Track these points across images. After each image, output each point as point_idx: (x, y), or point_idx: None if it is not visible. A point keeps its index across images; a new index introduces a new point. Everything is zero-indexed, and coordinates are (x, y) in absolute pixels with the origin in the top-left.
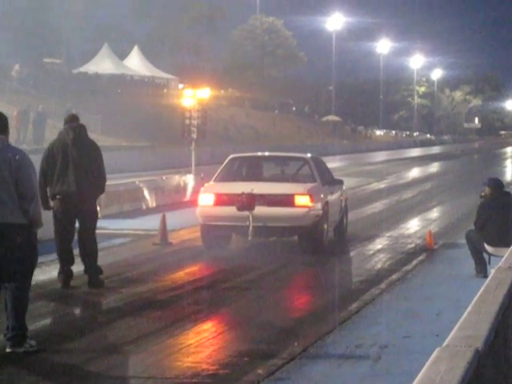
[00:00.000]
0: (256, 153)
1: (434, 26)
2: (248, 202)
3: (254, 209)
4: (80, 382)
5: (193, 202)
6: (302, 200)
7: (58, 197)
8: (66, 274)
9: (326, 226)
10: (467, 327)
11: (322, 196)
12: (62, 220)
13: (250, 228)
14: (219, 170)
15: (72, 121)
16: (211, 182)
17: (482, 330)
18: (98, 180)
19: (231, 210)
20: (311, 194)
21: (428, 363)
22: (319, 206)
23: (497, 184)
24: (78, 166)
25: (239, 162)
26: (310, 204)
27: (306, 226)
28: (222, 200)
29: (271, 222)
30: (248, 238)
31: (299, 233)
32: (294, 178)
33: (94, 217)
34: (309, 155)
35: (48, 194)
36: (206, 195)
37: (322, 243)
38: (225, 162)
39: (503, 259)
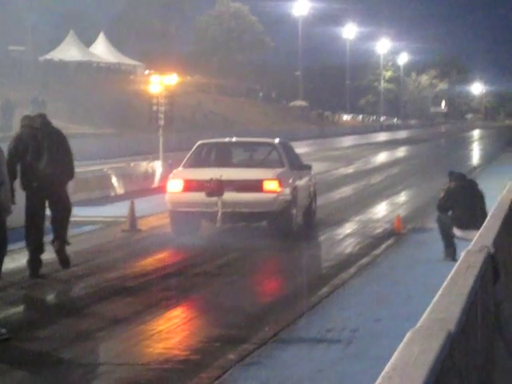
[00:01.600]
0: (224, 139)
1: (400, 10)
2: (217, 187)
3: (222, 194)
4: (51, 369)
5: (161, 189)
6: (271, 185)
7: (34, 184)
8: (35, 262)
9: (294, 211)
10: (439, 310)
11: (290, 181)
12: (34, 206)
13: (219, 214)
14: (187, 156)
15: (32, 113)
16: (180, 168)
17: (454, 312)
18: (67, 165)
19: (200, 196)
20: (279, 179)
21: (401, 345)
22: (288, 191)
23: (459, 176)
24: (49, 151)
25: (207, 147)
26: (278, 189)
27: (275, 212)
28: (190, 186)
29: (240, 207)
30: (217, 224)
31: (268, 218)
32: (262, 164)
33: (67, 201)
34: (277, 140)
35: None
36: (175, 181)
37: (290, 228)
38: (193, 148)
39: (473, 242)
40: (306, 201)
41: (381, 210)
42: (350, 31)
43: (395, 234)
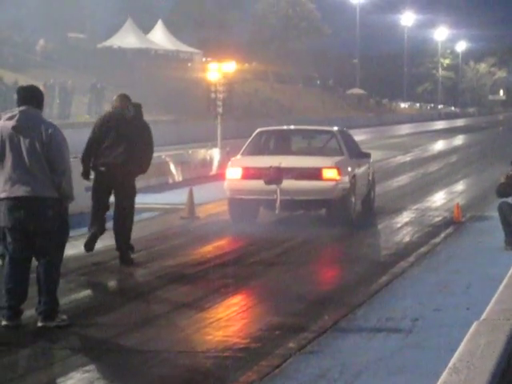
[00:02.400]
0: (283, 126)
1: None
2: (276, 175)
3: (281, 182)
4: (111, 356)
5: (219, 176)
6: (330, 173)
7: (101, 168)
8: (93, 235)
9: (353, 199)
10: (504, 300)
11: (349, 169)
12: (100, 192)
13: (278, 202)
14: (246, 144)
15: (128, 99)
16: (239, 156)
17: None
18: (143, 160)
19: (259, 184)
20: (339, 167)
21: (467, 337)
22: (347, 179)
23: None
24: (130, 142)
25: (266, 135)
26: (337, 177)
27: (334, 200)
28: (249, 174)
29: (299, 195)
30: (275, 212)
31: (327, 206)
32: (321, 152)
33: (133, 194)
34: (336, 128)
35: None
36: (234, 169)
37: (349, 216)
38: (252, 136)
39: None
40: (365, 189)
41: (439, 198)
42: (408, 18)
43: (454, 223)
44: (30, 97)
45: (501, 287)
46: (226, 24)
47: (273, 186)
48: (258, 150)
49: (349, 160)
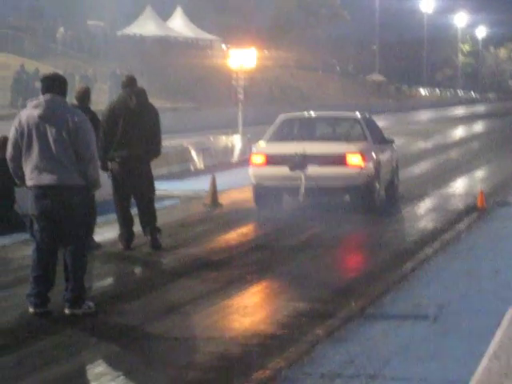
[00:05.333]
0: (306, 112)
1: None
2: (300, 161)
3: (306, 169)
4: (139, 343)
5: (241, 163)
6: (354, 159)
7: (117, 160)
8: (127, 235)
9: (377, 186)
10: None
11: (373, 155)
12: (120, 182)
13: (302, 188)
14: (270, 130)
15: (132, 84)
16: (262, 142)
17: None
18: (155, 144)
19: (283, 170)
20: (363, 153)
21: (504, 323)
22: (371, 165)
23: None
24: (140, 131)
25: (289, 121)
26: (361, 163)
27: (359, 186)
28: (273, 160)
29: (323, 181)
30: (300, 199)
31: (351, 192)
32: (345, 138)
33: (151, 179)
34: (359, 114)
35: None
36: (259, 155)
37: (374, 203)
38: (275, 122)
39: None
40: (389, 175)
41: (462, 184)
42: (427, 4)
43: (478, 209)
44: (55, 85)
45: None
46: (245, 11)
47: (297, 173)
48: (281, 136)
49: (373, 146)
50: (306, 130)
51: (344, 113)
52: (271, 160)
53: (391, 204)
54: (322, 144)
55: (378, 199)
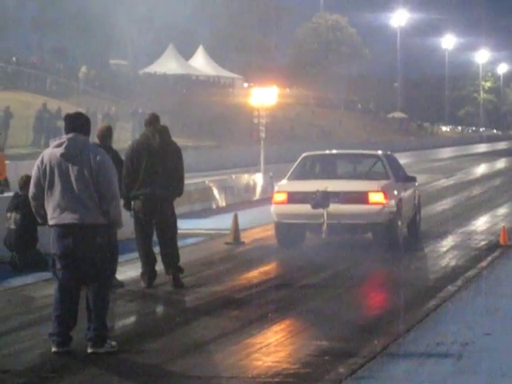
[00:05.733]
0: (329, 150)
1: (500, 20)
2: (322, 199)
3: (328, 206)
4: (161, 382)
5: (263, 201)
6: (376, 197)
7: (140, 198)
8: (150, 274)
9: (399, 223)
10: None
11: (395, 193)
12: (143, 221)
13: (325, 225)
14: (292, 169)
15: (155, 122)
16: (285, 181)
17: None
18: (178, 183)
19: (306, 208)
20: (385, 191)
21: None
22: (393, 202)
23: None
24: (163, 169)
25: (312, 159)
26: (384, 201)
27: (381, 223)
28: (296, 198)
29: (345, 219)
30: (322, 236)
31: (373, 230)
32: (367, 176)
33: (174, 218)
34: (381, 152)
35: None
36: (281, 193)
37: (396, 240)
38: (298, 160)
39: None
40: (411, 212)
41: (484, 221)
42: (448, 41)
43: (501, 246)
44: (78, 124)
45: None
46: (266, 49)
47: (319, 210)
48: (303, 174)
49: (395, 184)
50: (328, 168)
51: (366, 151)
52: (293, 198)
53: (413, 241)
54: (345, 182)
55: (400, 236)
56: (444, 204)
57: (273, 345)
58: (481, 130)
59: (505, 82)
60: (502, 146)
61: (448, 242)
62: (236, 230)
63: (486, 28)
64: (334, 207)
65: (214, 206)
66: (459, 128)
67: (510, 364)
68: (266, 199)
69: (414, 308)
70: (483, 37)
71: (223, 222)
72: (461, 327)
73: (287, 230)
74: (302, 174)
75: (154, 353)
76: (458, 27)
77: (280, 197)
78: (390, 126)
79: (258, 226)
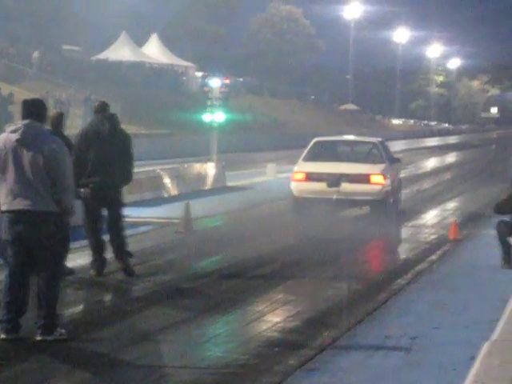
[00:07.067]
0: (337, 136)
1: (452, 15)
2: (336, 180)
3: (340, 185)
4: (111, 371)
5: (214, 191)
6: (377, 178)
7: (90, 186)
8: (100, 262)
9: (391, 200)
10: None
11: (389, 174)
12: (92, 209)
13: (334, 198)
14: (306, 152)
15: (104, 110)
16: (301, 162)
17: None
18: (127, 170)
19: (321, 186)
20: (383, 174)
21: (480, 357)
22: (389, 182)
23: None
24: (112, 157)
25: (322, 144)
26: (383, 182)
27: (378, 200)
28: (313, 177)
29: (352, 195)
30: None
31: (372, 205)
32: (368, 160)
33: (121, 204)
34: (378, 139)
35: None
36: (300, 173)
37: (391, 214)
38: (310, 145)
39: None
40: (397, 191)
41: (434, 215)
42: (401, 35)
43: (451, 240)
44: (35, 111)
45: (510, 306)
46: (219, 38)
47: (333, 188)
48: (315, 156)
49: (389, 166)
50: (335, 152)
51: (365, 138)
52: (310, 177)
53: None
54: (351, 165)
55: (391, 211)
56: None
57: (222, 335)
58: (432, 123)
59: (456, 76)
60: (452, 140)
61: (398, 235)
62: (188, 218)
63: (439, 22)
64: (343, 186)
65: (166, 195)
66: (411, 121)
67: (458, 358)
68: (218, 188)
69: (364, 301)
70: (436, 31)
71: (174, 211)
72: (410, 321)
73: (303, 204)
74: (314, 157)
75: (103, 341)
76: (411, 21)
77: (299, 176)
78: (343, 118)
79: (209, 216)
